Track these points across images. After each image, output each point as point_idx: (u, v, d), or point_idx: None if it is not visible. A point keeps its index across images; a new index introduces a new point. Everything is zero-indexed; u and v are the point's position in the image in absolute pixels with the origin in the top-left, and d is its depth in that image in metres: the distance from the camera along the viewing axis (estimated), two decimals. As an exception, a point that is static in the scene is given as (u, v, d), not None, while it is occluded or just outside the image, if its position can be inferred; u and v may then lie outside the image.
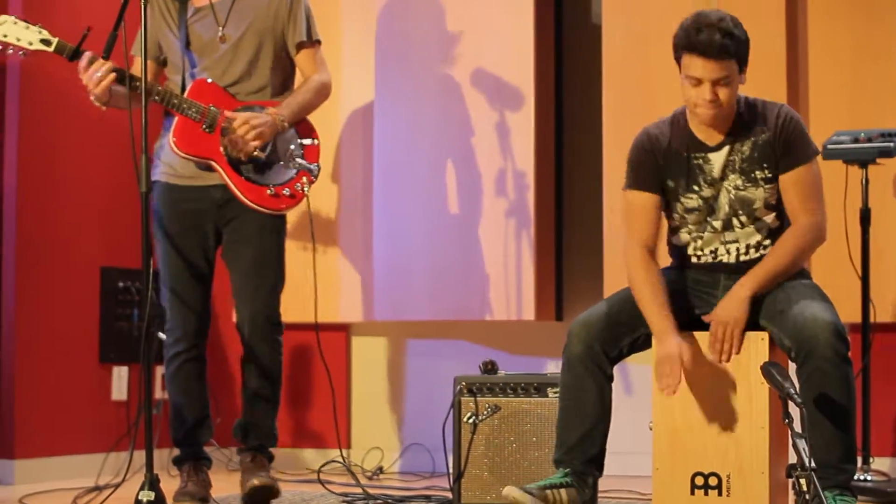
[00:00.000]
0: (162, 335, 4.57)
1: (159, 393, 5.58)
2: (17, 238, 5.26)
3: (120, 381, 5.60)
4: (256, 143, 4.25)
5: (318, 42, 4.52)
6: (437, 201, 5.60)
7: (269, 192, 4.31)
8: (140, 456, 3.89)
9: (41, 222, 5.34)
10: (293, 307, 4.77)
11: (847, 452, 3.56)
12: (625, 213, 3.91)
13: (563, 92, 5.79)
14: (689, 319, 3.78)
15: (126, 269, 5.58)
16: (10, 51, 4.14)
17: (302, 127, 4.44)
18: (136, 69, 4.13)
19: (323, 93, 4.50)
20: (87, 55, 4.16)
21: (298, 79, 4.56)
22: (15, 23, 4.13)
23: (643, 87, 5.24)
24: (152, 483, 3.76)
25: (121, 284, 5.59)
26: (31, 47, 4.14)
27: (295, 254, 5.28)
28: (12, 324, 5.24)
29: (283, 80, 4.50)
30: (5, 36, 4.12)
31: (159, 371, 5.32)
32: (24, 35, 4.13)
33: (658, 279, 3.77)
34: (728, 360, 3.68)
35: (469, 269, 5.51)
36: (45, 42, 4.15)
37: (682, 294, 3.84)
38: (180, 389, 4.43)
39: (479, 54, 5.57)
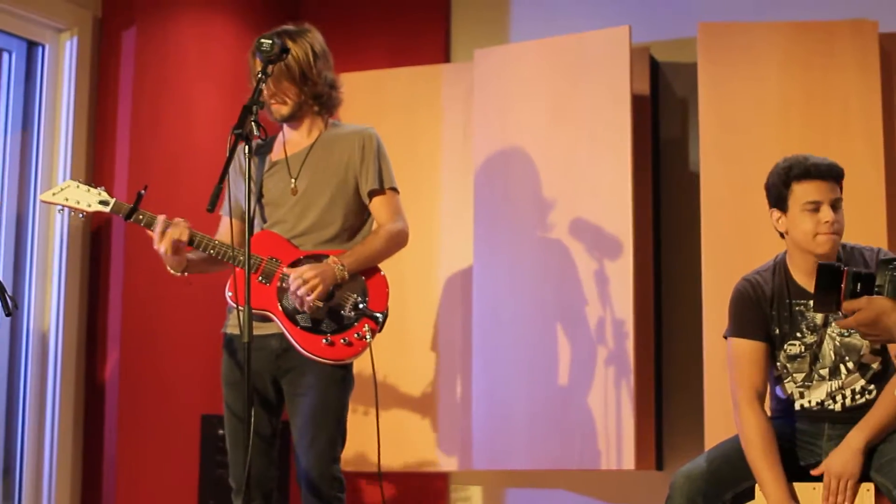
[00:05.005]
0: None
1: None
2: (120, 385, 5.33)
3: (218, 528, 5.60)
4: (311, 297, 4.17)
5: (393, 189, 4.42)
6: (536, 349, 5.57)
7: (324, 341, 4.20)
8: None
9: (143, 370, 5.40)
10: (391, 454, 4.74)
11: None
12: (731, 362, 3.87)
13: (662, 240, 5.78)
14: (791, 470, 3.72)
15: (227, 416, 5.62)
16: (72, 213, 4.27)
17: (370, 273, 4.33)
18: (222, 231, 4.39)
19: (394, 241, 4.38)
20: (159, 220, 4.18)
21: None
22: (77, 186, 4.27)
23: (742, 234, 5.22)
24: None
25: (221, 432, 5.59)
26: (90, 209, 4.25)
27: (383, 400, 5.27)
28: (113, 469, 5.28)
29: (360, 226, 4.43)
30: (66, 200, 4.25)
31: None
32: (84, 198, 4.26)
33: (770, 431, 3.71)
34: None
35: (568, 418, 5.45)
36: (104, 203, 4.25)
37: (786, 444, 3.78)
38: None
39: (578, 203, 5.57)
